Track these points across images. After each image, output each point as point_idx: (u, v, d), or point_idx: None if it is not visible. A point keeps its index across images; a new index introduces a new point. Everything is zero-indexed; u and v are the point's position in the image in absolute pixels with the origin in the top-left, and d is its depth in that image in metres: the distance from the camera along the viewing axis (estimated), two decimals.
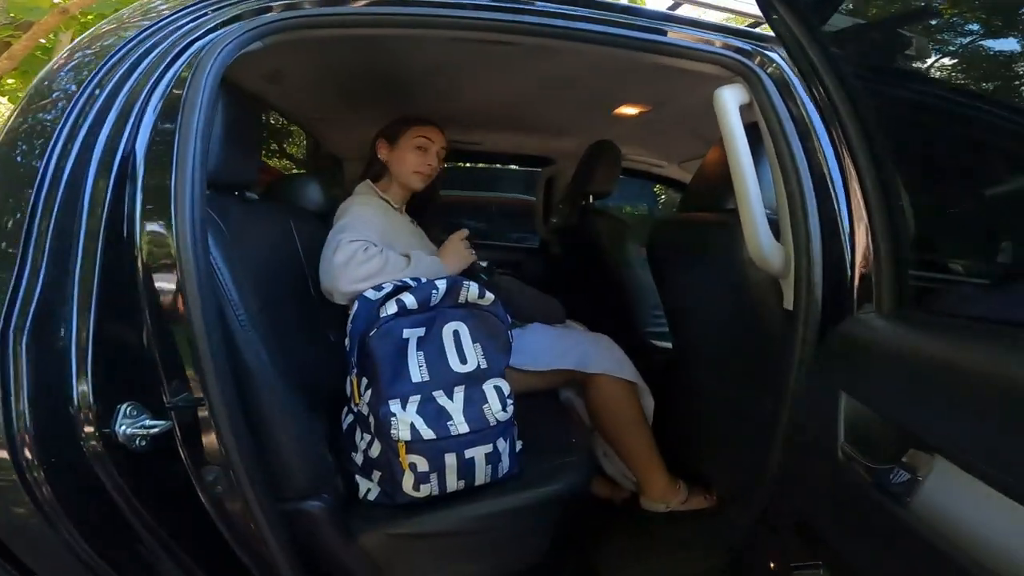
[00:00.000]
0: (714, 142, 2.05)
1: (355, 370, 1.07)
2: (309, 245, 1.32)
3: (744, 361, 1.24)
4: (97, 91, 0.85)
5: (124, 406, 0.75)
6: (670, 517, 1.49)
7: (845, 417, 0.72)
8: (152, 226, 0.79)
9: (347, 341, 1.09)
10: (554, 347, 1.54)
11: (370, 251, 1.23)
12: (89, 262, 0.77)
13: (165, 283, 0.78)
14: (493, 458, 1.06)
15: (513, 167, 2.78)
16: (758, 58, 1.08)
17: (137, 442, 0.76)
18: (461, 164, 2.96)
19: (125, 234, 0.79)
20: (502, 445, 1.08)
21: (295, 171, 2.58)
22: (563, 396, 1.63)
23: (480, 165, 3.08)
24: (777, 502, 0.96)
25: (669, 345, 1.87)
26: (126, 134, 0.82)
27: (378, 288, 1.14)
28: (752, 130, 1.09)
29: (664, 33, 1.08)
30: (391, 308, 1.04)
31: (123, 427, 0.75)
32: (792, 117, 1.00)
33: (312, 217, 1.49)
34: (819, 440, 0.77)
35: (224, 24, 0.93)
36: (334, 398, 1.20)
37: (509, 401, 1.09)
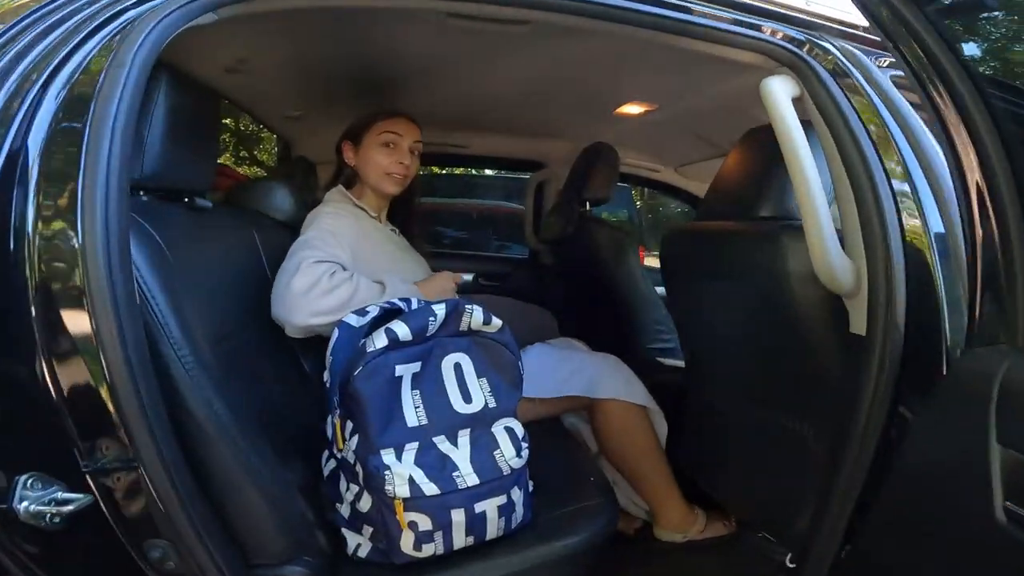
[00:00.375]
0: (720, 144, 1.99)
1: (338, 411, 0.90)
2: (277, 259, 1.15)
3: (780, 385, 1.13)
4: None
5: (24, 478, 0.62)
6: (689, 547, 1.39)
7: (1005, 473, 0.58)
8: (49, 241, 0.63)
9: (326, 375, 0.92)
10: (558, 371, 1.41)
11: (337, 277, 1.06)
12: None
13: (70, 316, 0.62)
14: (507, 510, 0.91)
15: (500, 172, 2.62)
16: (808, 47, 0.95)
17: (48, 520, 0.62)
18: (437, 169, 2.81)
19: (12, 251, 0.63)
20: (517, 494, 0.93)
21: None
22: (567, 421, 1.52)
23: (462, 170, 2.93)
24: (860, 555, 0.84)
25: (677, 363, 1.77)
26: (14, 126, 0.66)
27: (361, 312, 0.96)
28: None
29: (693, 13, 0.94)
30: (379, 340, 0.86)
31: (25, 504, 0.61)
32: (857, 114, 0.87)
33: (280, 227, 1.31)
34: (953, 495, 0.65)
35: None
36: (310, 435, 1.03)
37: (524, 445, 0.94)
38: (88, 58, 0.72)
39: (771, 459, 1.14)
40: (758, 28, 0.95)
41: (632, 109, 1.69)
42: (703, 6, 0.94)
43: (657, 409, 1.41)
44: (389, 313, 0.95)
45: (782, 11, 0.98)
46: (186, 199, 0.98)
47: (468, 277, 2.41)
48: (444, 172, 3.44)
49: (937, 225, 0.83)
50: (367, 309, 0.96)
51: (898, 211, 0.83)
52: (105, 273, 0.60)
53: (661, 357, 1.86)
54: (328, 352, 0.93)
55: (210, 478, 0.74)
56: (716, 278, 1.24)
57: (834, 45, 0.95)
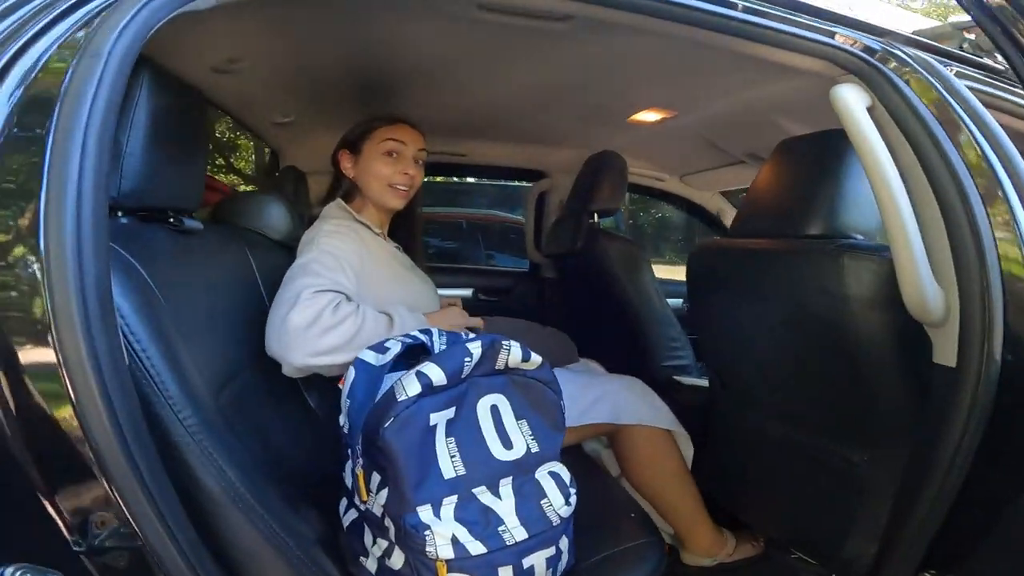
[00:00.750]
0: (732, 153, 1.92)
1: (360, 461, 0.77)
2: (274, 284, 1.02)
3: (828, 411, 1.07)
4: None
5: (9, 570, 0.52)
6: (718, 570, 1.35)
7: None
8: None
9: (343, 419, 0.81)
10: (582, 398, 1.31)
11: (341, 310, 0.93)
12: None
13: (32, 376, 0.50)
14: (554, 560, 0.82)
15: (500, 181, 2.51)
16: (880, 54, 0.87)
17: None
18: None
19: None
20: (564, 543, 0.84)
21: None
22: (588, 448, 1.45)
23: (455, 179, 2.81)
24: None
25: (696, 381, 1.70)
26: None
27: (380, 348, 0.84)
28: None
29: (757, 15, 0.84)
30: (411, 387, 0.74)
31: None
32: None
33: (275, 248, 1.17)
34: None
35: None
36: (321, 480, 0.92)
37: (572, 491, 0.84)
38: (49, 51, 0.59)
39: (812, 483, 1.10)
40: (827, 33, 0.87)
41: (648, 116, 1.60)
42: (768, 8, 0.84)
43: (683, 432, 1.36)
44: (412, 349, 0.84)
45: (847, 16, 0.89)
46: (172, 219, 0.84)
47: (467, 293, 2.29)
48: (426, 179, 3.30)
49: None
50: (386, 344, 0.84)
51: (993, 233, 0.76)
52: (82, 325, 0.47)
53: (677, 375, 1.78)
54: (344, 394, 0.81)
55: (224, 549, 0.65)
56: (756, 298, 1.16)
57: (906, 52, 0.87)
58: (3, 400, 0.50)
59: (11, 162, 0.54)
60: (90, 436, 0.48)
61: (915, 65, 0.87)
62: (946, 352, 0.80)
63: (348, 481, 0.83)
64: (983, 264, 0.75)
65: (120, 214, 0.74)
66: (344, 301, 0.95)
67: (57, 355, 0.48)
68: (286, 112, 1.56)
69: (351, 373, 0.82)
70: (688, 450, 1.37)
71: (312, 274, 0.96)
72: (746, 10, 0.83)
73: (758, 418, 1.26)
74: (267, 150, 1.99)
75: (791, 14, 0.85)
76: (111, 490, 0.51)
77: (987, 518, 0.81)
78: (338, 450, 0.93)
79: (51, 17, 0.60)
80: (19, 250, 0.51)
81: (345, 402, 0.80)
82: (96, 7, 0.61)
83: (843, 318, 0.94)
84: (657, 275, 1.83)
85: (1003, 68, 1.02)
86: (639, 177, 2.21)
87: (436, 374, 0.75)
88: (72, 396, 0.48)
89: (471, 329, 1.19)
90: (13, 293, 0.51)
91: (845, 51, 0.85)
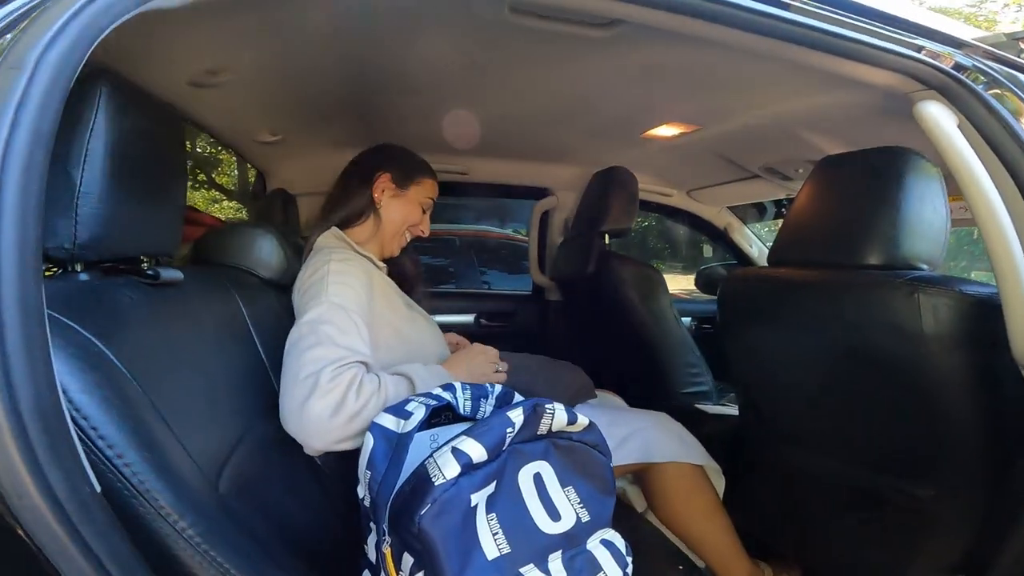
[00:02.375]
0: (747, 167, 1.83)
1: (387, 539, 0.65)
2: (268, 334, 0.90)
3: (890, 447, 1.02)
4: None
5: None
6: None
7: None
8: None
9: (363, 491, 0.70)
10: (610, 437, 1.15)
11: (365, 391, 0.80)
12: None
13: None
14: None
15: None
16: (969, 71, 0.77)
17: None
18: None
19: None
20: None
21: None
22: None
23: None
24: None
25: (721, 410, 1.64)
26: None
27: (401, 411, 0.72)
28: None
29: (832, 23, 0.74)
30: (449, 468, 0.62)
31: None
32: None
33: (266, 287, 1.03)
34: None
35: None
36: (333, 547, 0.82)
37: (629, 559, 0.75)
38: None
39: (866, 515, 1.07)
40: (913, 47, 0.77)
41: (665, 131, 1.50)
42: (844, 16, 0.74)
43: (715, 466, 1.28)
44: (437, 414, 0.75)
45: (924, 25, 0.80)
46: (146, 268, 0.68)
47: (469, 319, 2.16)
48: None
49: None
50: (408, 408, 0.73)
51: None
52: (23, 452, 0.33)
53: (698, 402, 1.69)
54: (363, 464, 0.70)
55: None
56: (806, 331, 1.08)
57: (993, 68, 0.78)
58: None
59: None
60: None
61: (1006, 82, 0.78)
62: None
63: (372, 555, 0.73)
64: None
65: (79, 268, 0.60)
66: (364, 375, 0.83)
67: None
68: (274, 130, 1.41)
69: (369, 441, 0.71)
70: (720, 483, 1.30)
71: (327, 342, 0.83)
72: (821, 18, 0.73)
73: (801, 451, 1.20)
74: (250, 167, 1.86)
75: (866, 21, 0.75)
76: None
77: None
78: (347, 510, 0.84)
79: None
80: None
81: (365, 473, 0.69)
82: (20, 6, 0.48)
83: (918, 356, 0.87)
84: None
85: None
86: (645, 193, 2.10)
87: (476, 451, 0.63)
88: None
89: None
90: None
91: (932, 66, 0.77)
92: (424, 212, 1.21)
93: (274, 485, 0.76)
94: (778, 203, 2.28)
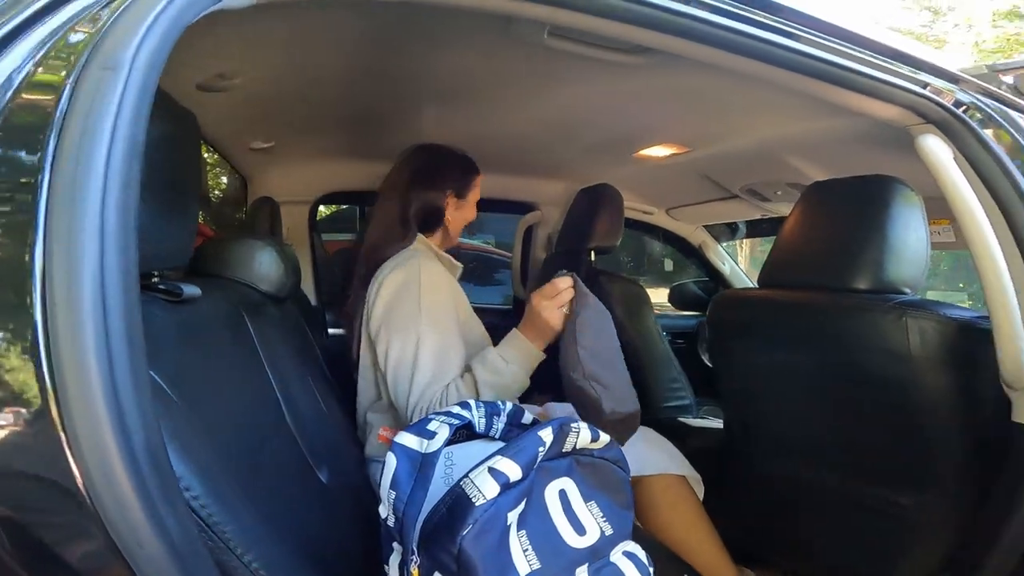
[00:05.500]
0: (727, 187, 1.89)
1: (415, 559, 0.65)
2: (272, 343, 0.88)
3: (878, 460, 1.07)
4: None
5: None
6: None
7: None
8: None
9: (383, 510, 0.70)
10: None
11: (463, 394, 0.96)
12: None
13: None
14: None
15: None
16: (967, 107, 0.83)
17: None
18: None
19: None
20: None
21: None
22: None
23: None
24: None
25: (703, 423, 1.71)
26: None
27: (423, 430, 0.72)
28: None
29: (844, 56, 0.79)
30: (488, 488, 0.62)
31: None
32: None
33: (266, 301, 1.00)
34: None
35: None
36: (348, 557, 0.81)
37: (650, 568, 0.77)
38: (30, 63, 0.43)
39: (851, 521, 1.11)
40: (918, 82, 0.82)
41: (657, 152, 1.55)
42: (853, 49, 0.79)
43: (696, 476, 1.33)
44: (461, 432, 0.76)
45: (927, 61, 0.85)
46: (160, 285, 0.64)
47: None
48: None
49: None
50: (430, 428, 0.72)
51: None
52: (144, 504, 0.31)
53: (679, 415, 1.74)
54: (386, 484, 0.69)
55: None
56: (796, 350, 1.13)
57: (987, 103, 0.84)
58: None
59: None
60: None
61: (999, 120, 0.84)
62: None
63: (394, 575, 0.72)
64: None
65: None
66: (459, 384, 0.98)
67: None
68: (268, 137, 1.38)
69: (391, 461, 0.70)
70: (700, 492, 1.35)
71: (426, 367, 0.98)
72: (832, 51, 0.77)
73: (787, 462, 1.25)
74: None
75: (874, 56, 0.80)
76: None
77: None
78: (358, 529, 0.85)
79: (30, 12, 0.45)
80: (15, 377, 0.34)
81: (389, 493, 0.68)
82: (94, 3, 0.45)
83: (905, 376, 0.92)
84: None
85: None
86: (629, 211, 2.15)
87: (513, 470, 0.63)
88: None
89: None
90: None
91: (934, 101, 0.82)
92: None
93: (296, 506, 0.73)
94: (749, 223, 2.37)
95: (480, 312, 2.51)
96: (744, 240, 3.08)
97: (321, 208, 3.34)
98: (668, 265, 3.40)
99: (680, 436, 1.45)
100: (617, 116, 1.28)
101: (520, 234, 2.16)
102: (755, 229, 2.38)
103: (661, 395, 1.74)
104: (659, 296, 2.79)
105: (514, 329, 1.02)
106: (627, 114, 1.26)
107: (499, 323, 2.20)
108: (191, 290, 0.66)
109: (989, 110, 0.85)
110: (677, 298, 2.63)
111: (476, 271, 3.85)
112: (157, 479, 0.33)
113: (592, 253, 1.81)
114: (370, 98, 1.18)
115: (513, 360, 0.99)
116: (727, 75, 0.78)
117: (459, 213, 1.23)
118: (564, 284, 0.95)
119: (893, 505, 1.03)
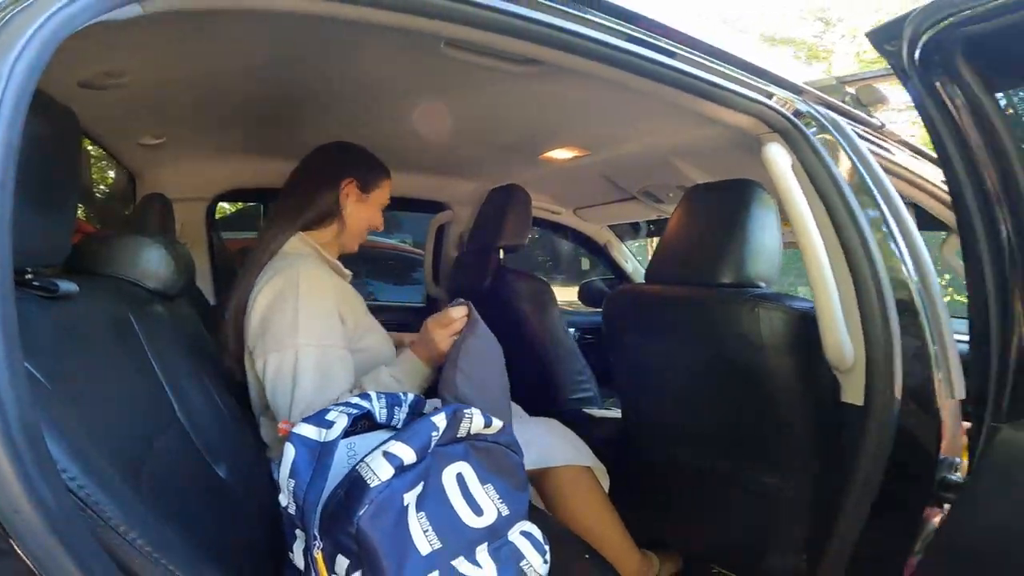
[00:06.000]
0: (626, 189, 2.02)
1: (317, 543, 0.68)
2: (160, 340, 0.86)
3: (744, 441, 1.17)
4: None
5: None
6: None
7: None
8: None
9: (285, 499, 0.72)
10: None
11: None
12: None
13: None
14: None
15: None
16: (805, 117, 0.95)
17: None
18: None
19: None
20: None
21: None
22: None
23: None
24: None
25: (605, 413, 1.78)
26: None
27: (321, 420, 0.75)
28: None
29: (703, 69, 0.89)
30: (382, 470, 0.66)
31: None
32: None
33: (153, 299, 0.98)
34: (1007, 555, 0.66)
35: None
36: (248, 549, 0.82)
37: (546, 547, 0.83)
38: None
39: (728, 502, 1.20)
40: (765, 93, 0.93)
41: (560, 154, 1.63)
42: (710, 61, 0.89)
43: (601, 467, 1.38)
44: (360, 422, 0.79)
45: (774, 73, 0.97)
46: (34, 281, 0.62)
47: None
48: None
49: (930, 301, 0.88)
50: (328, 418, 0.75)
51: (893, 288, 0.87)
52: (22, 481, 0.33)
53: (585, 407, 1.82)
54: (285, 473, 0.71)
55: None
56: (673, 340, 1.23)
57: (822, 114, 0.97)
58: None
59: None
60: None
61: (831, 129, 0.96)
62: (853, 392, 0.90)
63: (299, 562, 0.74)
64: (886, 319, 0.84)
65: None
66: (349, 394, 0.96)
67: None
68: (158, 134, 1.32)
69: (289, 451, 0.73)
70: (605, 482, 1.40)
71: (317, 372, 0.97)
72: (693, 64, 0.86)
73: (672, 446, 1.34)
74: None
75: (729, 68, 0.91)
76: None
77: (903, 527, 0.92)
78: (259, 521, 0.87)
79: None
80: None
81: (288, 481, 0.71)
82: None
83: (758, 362, 1.03)
84: None
85: (879, 124, 1.19)
86: (538, 210, 2.24)
87: (406, 454, 0.68)
88: None
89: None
90: None
91: (777, 111, 0.92)
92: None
93: (189, 499, 0.73)
94: (649, 223, 2.54)
95: (395, 310, 2.53)
96: (654, 238, 3.28)
97: (225, 205, 3.19)
98: (585, 264, 3.53)
99: (585, 427, 1.51)
100: (519, 120, 1.34)
101: (432, 232, 2.19)
102: (660, 228, 2.55)
103: (567, 388, 1.82)
104: (575, 294, 2.92)
105: (406, 349, 1.05)
106: (528, 118, 1.32)
107: (414, 321, 2.24)
108: (67, 286, 0.65)
109: (823, 119, 0.97)
110: (586, 295, 2.75)
111: (393, 269, 3.83)
112: (33, 455, 0.35)
113: (501, 251, 1.88)
114: (271, 99, 1.16)
115: (404, 378, 1.02)
116: (611, 84, 0.86)
117: (360, 209, 1.18)
118: (458, 314, 0.99)
119: (763, 485, 1.11)
